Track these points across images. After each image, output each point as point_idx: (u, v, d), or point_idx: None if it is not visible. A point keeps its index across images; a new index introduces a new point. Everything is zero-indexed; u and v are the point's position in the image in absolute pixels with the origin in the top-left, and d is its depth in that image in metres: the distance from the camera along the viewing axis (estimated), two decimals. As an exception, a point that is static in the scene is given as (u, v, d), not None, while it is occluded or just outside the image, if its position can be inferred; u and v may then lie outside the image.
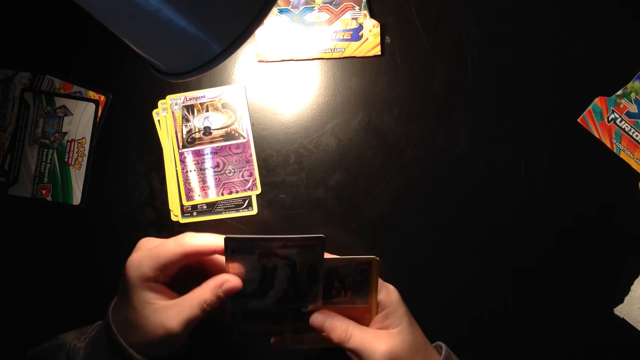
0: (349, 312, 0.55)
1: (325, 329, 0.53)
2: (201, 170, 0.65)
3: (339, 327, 0.53)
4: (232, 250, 0.50)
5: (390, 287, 0.56)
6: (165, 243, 0.53)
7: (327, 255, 0.54)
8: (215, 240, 0.52)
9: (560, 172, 0.63)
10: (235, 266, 0.51)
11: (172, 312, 0.50)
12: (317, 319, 0.54)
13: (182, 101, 0.64)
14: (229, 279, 0.51)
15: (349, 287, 0.55)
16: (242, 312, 0.53)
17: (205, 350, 0.64)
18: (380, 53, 0.63)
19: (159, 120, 0.65)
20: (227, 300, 0.51)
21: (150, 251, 0.52)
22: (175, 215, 0.65)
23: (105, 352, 0.52)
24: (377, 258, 0.54)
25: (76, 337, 0.55)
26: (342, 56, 0.63)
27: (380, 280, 0.55)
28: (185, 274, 0.54)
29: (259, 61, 0.64)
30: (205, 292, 0.51)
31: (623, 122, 0.62)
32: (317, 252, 0.51)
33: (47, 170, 0.65)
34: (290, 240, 0.50)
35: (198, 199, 0.64)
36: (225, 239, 0.50)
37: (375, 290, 0.55)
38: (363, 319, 0.56)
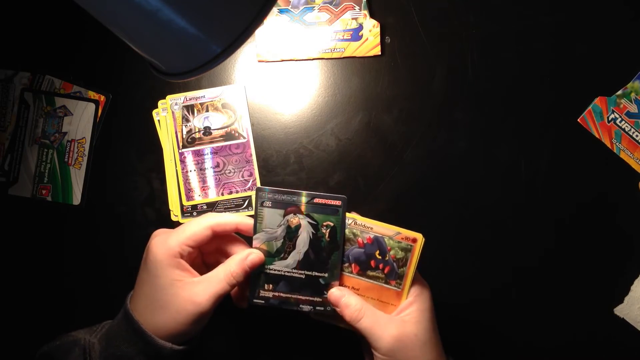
0: (379, 293, 0.55)
1: (340, 305, 0.53)
2: (201, 170, 0.65)
3: (353, 306, 0.53)
4: (261, 201, 0.53)
5: (426, 283, 0.56)
6: (189, 221, 0.54)
7: (376, 222, 0.54)
8: (239, 217, 0.54)
9: (560, 172, 0.63)
10: (262, 219, 0.53)
11: (200, 287, 0.51)
12: (334, 293, 0.54)
13: (182, 101, 0.64)
14: (253, 252, 0.53)
15: (388, 261, 0.54)
16: (262, 273, 0.54)
17: (216, 348, 0.64)
18: (380, 53, 0.63)
19: (159, 120, 0.65)
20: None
21: (175, 230, 0.53)
22: (175, 215, 0.65)
23: (125, 343, 0.52)
24: (422, 236, 0.54)
25: (87, 334, 0.55)
26: (342, 56, 0.63)
27: (418, 274, 0.55)
28: (201, 266, 0.56)
29: (259, 61, 0.64)
30: (231, 266, 0.52)
31: (623, 122, 0.62)
32: (338, 213, 0.53)
33: (47, 170, 0.65)
34: (316, 196, 0.53)
35: (198, 199, 0.64)
36: (257, 189, 0.53)
37: (412, 274, 0.54)
38: (389, 305, 0.55)
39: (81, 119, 0.65)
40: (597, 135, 0.62)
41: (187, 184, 0.65)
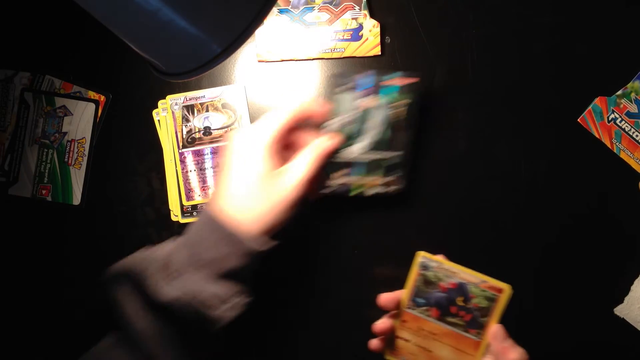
0: (456, 340, 0.54)
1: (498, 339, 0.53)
2: (201, 170, 0.65)
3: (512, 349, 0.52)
4: (335, 86, 0.54)
5: (521, 349, 0.53)
6: (268, 114, 0.53)
7: (462, 268, 0.53)
8: (312, 104, 0.55)
9: (560, 172, 0.63)
10: (336, 104, 0.54)
11: (291, 175, 0.52)
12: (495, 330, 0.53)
13: (182, 101, 0.64)
14: (332, 137, 0.54)
15: (470, 309, 0.53)
16: (333, 160, 0.55)
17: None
18: (380, 53, 0.63)
19: (159, 120, 0.65)
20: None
21: (259, 124, 0.53)
22: (175, 215, 0.65)
23: (211, 249, 0.49)
24: (510, 287, 0.52)
25: (159, 281, 0.50)
26: (342, 56, 0.63)
27: (511, 341, 0.53)
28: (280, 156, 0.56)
29: (259, 61, 0.64)
30: (313, 152, 0.53)
31: (623, 122, 0.62)
32: (412, 93, 0.53)
33: (47, 170, 0.65)
34: (390, 77, 0.53)
35: (198, 199, 0.64)
36: (330, 76, 0.54)
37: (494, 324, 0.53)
38: (466, 355, 0.54)
39: (81, 119, 0.65)
40: (597, 135, 0.62)
41: (187, 184, 0.65)
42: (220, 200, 0.52)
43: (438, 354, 0.55)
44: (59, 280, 0.65)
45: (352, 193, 0.54)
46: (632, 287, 0.62)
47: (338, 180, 0.54)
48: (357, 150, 0.54)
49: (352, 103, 0.54)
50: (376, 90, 0.53)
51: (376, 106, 0.53)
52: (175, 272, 0.49)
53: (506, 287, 0.52)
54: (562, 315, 0.63)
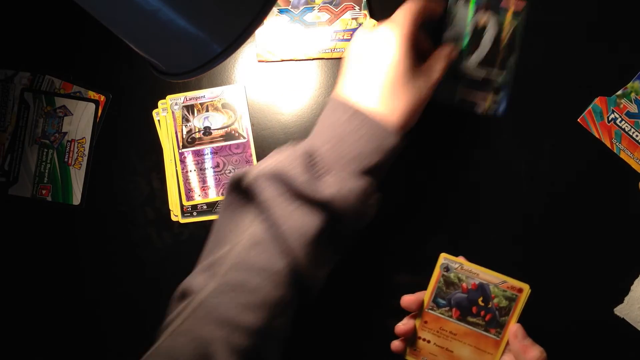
0: (477, 340, 0.55)
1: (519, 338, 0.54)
2: (201, 170, 0.65)
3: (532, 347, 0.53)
4: None
5: (540, 348, 0.53)
6: (400, 12, 0.52)
7: (482, 268, 0.54)
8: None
9: (560, 172, 0.63)
10: (453, 16, 0.56)
11: (429, 74, 0.51)
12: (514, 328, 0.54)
13: (182, 101, 0.65)
14: (453, 47, 0.54)
15: (491, 309, 0.54)
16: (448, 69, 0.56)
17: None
18: (380, 53, 0.63)
19: (159, 120, 0.65)
20: None
21: (395, 18, 0.51)
22: (175, 215, 0.65)
23: (356, 144, 0.49)
24: (529, 286, 0.54)
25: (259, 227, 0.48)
26: (342, 56, 0.63)
27: (530, 340, 0.54)
28: None
29: (259, 61, 0.64)
30: (438, 59, 0.53)
31: (623, 122, 0.62)
32: (521, 15, 0.56)
33: (47, 170, 0.65)
34: None
35: (198, 199, 0.64)
36: None
37: (514, 324, 0.54)
38: (486, 354, 0.55)
39: (81, 119, 0.65)
40: (597, 135, 0.62)
41: (187, 184, 0.65)
42: (360, 93, 0.50)
43: (458, 353, 0.55)
44: (59, 280, 0.65)
45: (463, 105, 0.57)
46: (632, 287, 0.62)
47: (449, 90, 0.56)
48: (468, 64, 0.57)
49: (469, 17, 0.56)
50: (492, 7, 0.56)
51: (490, 24, 0.56)
52: (323, 170, 0.49)
53: (525, 287, 0.54)
54: (562, 315, 0.63)
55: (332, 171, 0.49)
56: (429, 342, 0.56)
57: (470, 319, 0.54)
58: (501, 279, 0.54)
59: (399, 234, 0.63)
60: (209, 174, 0.65)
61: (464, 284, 0.54)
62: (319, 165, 0.49)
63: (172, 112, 0.65)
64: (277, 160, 0.49)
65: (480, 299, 0.54)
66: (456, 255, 0.55)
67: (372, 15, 0.63)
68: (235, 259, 0.48)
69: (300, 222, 0.47)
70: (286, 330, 0.50)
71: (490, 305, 0.54)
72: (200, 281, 0.49)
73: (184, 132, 0.65)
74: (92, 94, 0.65)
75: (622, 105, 0.62)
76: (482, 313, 0.54)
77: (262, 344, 0.48)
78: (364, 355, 0.64)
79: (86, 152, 0.65)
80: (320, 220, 0.48)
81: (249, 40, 0.41)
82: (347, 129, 0.49)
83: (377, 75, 0.50)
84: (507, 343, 0.54)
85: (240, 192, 0.50)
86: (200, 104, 0.64)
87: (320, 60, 0.64)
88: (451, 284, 0.54)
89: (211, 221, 0.64)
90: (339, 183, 0.48)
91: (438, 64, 0.52)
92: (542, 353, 0.52)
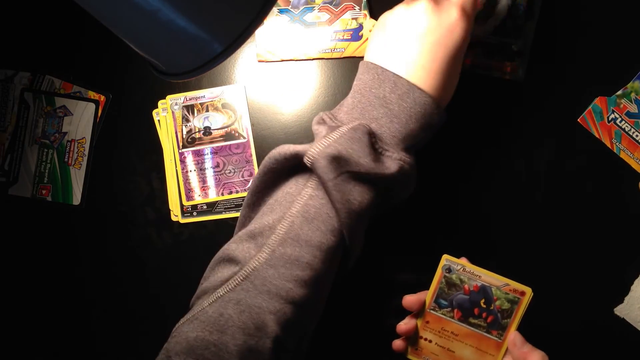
0: (478, 341, 0.55)
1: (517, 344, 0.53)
2: (201, 170, 0.65)
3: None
4: None
5: (541, 352, 0.53)
6: None
7: (484, 271, 0.54)
8: None
9: (560, 172, 0.63)
10: None
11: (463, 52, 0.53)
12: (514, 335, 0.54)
13: (182, 101, 0.65)
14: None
15: (493, 311, 0.54)
16: None
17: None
18: (380, 53, 0.63)
19: (159, 120, 0.65)
20: None
21: None
22: (175, 215, 0.65)
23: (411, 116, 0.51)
24: (531, 290, 0.54)
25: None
26: (342, 56, 0.63)
27: (530, 346, 0.54)
28: None
29: (259, 61, 0.64)
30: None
31: (623, 122, 0.62)
32: None
33: (47, 170, 0.65)
34: None
35: (198, 199, 0.64)
36: None
37: (516, 327, 0.54)
38: (487, 355, 0.55)
39: (81, 119, 0.65)
40: (597, 135, 0.62)
41: (187, 184, 0.65)
42: (411, 68, 0.51)
43: (460, 354, 0.55)
44: (59, 280, 0.65)
45: (477, 71, 0.58)
46: (632, 287, 0.62)
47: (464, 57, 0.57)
48: (482, 31, 0.57)
49: None
50: None
51: None
52: (381, 149, 0.50)
53: (528, 290, 0.53)
54: (562, 315, 0.63)
55: (389, 150, 0.51)
56: (430, 341, 0.56)
57: (472, 320, 0.54)
58: (503, 282, 0.54)
59: (402, 233, 0.63)
60: (209, 174, 0.65)
61: (466, 286, 0.54)
62: (377, 144, 0.50)
63: (172, 112, 0.65)
64: (336, 140, 0.49)
65: (482, 300, 0.54)
66: (458, 256, 0.55)
67: (372, 15, 0.63)
68: (288, 232, 0.49)
69: (360, 200, 0.49)
70: (324, 303, 0.52)
71: (492, 308, 0.54)
72: (246, 249, 0.50)
73: (184, 132, 0.65)
74: (92, 94, 0.65)
75: (622, 105, 0.62)
76: (484, 315, 0.54)
77: (306, 319, 0.50)
78: (365, 353, 0.64)
79: (86, 152, 0.65)
80: (377, 196, 0.51)
81: (249, 40, 0.41)
82: (401, 106, 0.51)
83: (434, 53, 0.51)
84: (504, 353, 0.55)
85: (295, 164, 0.51)
86: (200, 104, 0.64)
87: (320, 60, 0.64)
88: (453, 285, 0.54)
89: (211, 221, 0.64)
90: (397, 162, 0.50)
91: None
92: (544, 357, 0.52)
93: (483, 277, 0.54)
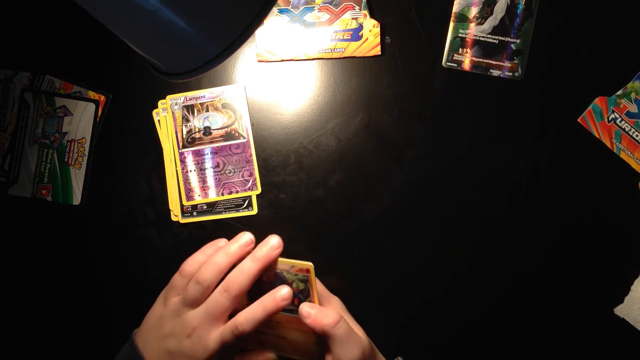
0: (297, 324, 0.56)
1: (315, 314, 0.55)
2: (201, 170, 0.65)
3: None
4: None
5: (334, 298, 0.57)
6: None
7: (279, 259, 0.56)
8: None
9: (560, 172, 0.63)
10: None
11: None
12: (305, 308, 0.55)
13: (182, 101, 0.64)
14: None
15: (295, 294, 0.55)
16: (457, 38, 0.57)
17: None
18: (380, 53, 0.63)
19: (159, 120, 0.65)
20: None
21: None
22: (175, 215, 0.65)
23: None
24: (312, 264, 0.55)
25: None
26: (342, 56, 0.63)
27: (326, 292, 0.56)
28: None
29: (259, 61, 0.64)
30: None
31: (623, 122, 0.62)
32: None
33: (47, 170, 0.65)
34: None
35: (198, 199, 0.65)
36: None
37: (317, 299, 0.56)
38: (307, 334, 0.56)
39: (81, 119, 0.65)
40: (597, 135, 0.62)
41: (187, 184, 0.65)
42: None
43: (291, 338, 0.58)
44: (59, 280, 0.65)
45: (477, 71, 0.58)
46: (632, 287, 0.62)
47: (462, 57, 0.57)
48: (480, 30, 0.57)
49: None
50: None
51: None
52: None
53: (310, 266, 0.55)
54: (562, 315, 0.63)
55: None
56: (265, 334, 0.58)
57: (286, 307, 0.56)
58: (290, 264, 0.55)
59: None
60: (209, 174, 0.65)
61: (264, 277, 0.56)
62: None
63: (172, 112, 0.65)
64: None
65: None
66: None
67: (372, 15, 0.63)
68: None
69: None
70: None
71: (293, 292, 0.55)
72: None
73: (184, 132, 0.65)
74: (92, 94, 0.65)
75: (622, 105, 0.62)
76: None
77: None
78: None
79: (86, 152, 0.65)
80: None
81: (249, 40, 0.41)
82: None
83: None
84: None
85: None
86: (200, 104, 0.64)
87: (320, 60, 0.64)
88: (257, 281, 0.56)
89: (211, 221, 0.64)
90: None
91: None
92: (339, 301, 0.55)
93: (275, 265, 0.56)
